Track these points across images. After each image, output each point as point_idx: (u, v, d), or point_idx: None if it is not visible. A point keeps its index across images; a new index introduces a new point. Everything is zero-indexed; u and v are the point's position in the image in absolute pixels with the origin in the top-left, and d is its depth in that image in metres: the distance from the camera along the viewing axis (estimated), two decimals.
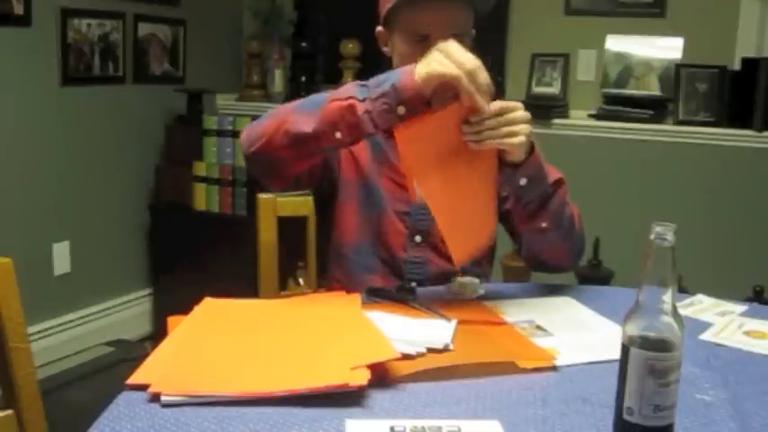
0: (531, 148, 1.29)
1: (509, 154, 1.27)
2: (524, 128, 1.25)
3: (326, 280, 1.60)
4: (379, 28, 1.48)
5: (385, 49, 1.48)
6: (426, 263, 1.51)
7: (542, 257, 1.46)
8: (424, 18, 1.37)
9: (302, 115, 1.28)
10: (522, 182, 1.31)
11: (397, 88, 1.19)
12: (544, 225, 1.37)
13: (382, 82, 1.21)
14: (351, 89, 1.23)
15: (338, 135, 1.23)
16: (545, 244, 1.42)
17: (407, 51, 1.39)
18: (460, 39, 1.40)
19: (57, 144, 3.00)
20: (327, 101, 1.24)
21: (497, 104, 1.23)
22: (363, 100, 1.20)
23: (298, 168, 1.37)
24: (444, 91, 1.19)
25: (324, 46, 3.58)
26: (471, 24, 1.43)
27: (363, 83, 1.23)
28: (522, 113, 1.25)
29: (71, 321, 3.11)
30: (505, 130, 1.23)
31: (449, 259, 1.52)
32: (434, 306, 1.24)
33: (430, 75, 1.16)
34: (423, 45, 1.35)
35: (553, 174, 1.38)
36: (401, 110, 1.19)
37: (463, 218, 1.27)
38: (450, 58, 1.16)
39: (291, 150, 1.30)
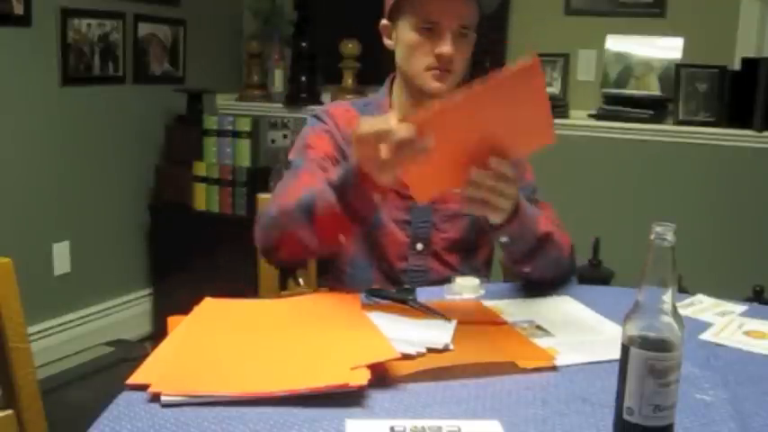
0: (514, 211, 1.28)
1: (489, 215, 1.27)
2: (508, 204, 1.25)
3: (326, 280, 1.60)
4: (384, 21, 1.48)
5: (388, 42, 1.48)
6: (427, 271, 1.50)
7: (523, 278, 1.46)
8: (434, 5, 1.38)
9: (301, 231, 1.30)
10: (503, 239, 1.32)
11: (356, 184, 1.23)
12: (527, 270, 1.39)
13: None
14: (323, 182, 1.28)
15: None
16: (528, 278, 1.42)
17: (414, 40, 1.39)
18: (466, 33, 1.41)
19: (57, 144, 3.00)
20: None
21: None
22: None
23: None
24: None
25: (324, 46, 3.58)
26: (476, 21, 1.43)
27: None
28: (515, 189, 1.24)
29: (71, 321, 3.11)
30: (494, 201, 1.22)
31: (449, 266, 1.52)
32: (434, 306, 1.24)
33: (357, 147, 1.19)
34: (429, 34, 1.37)
35: (542, 226, 1.36)
36: (377, 197, 1.25)
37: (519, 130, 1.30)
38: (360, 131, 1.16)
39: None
